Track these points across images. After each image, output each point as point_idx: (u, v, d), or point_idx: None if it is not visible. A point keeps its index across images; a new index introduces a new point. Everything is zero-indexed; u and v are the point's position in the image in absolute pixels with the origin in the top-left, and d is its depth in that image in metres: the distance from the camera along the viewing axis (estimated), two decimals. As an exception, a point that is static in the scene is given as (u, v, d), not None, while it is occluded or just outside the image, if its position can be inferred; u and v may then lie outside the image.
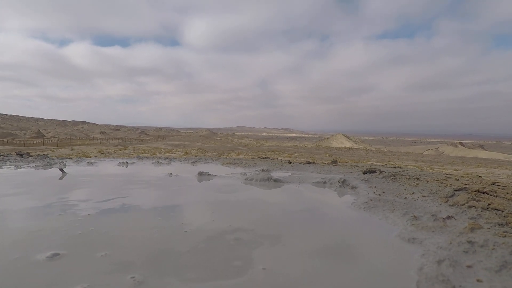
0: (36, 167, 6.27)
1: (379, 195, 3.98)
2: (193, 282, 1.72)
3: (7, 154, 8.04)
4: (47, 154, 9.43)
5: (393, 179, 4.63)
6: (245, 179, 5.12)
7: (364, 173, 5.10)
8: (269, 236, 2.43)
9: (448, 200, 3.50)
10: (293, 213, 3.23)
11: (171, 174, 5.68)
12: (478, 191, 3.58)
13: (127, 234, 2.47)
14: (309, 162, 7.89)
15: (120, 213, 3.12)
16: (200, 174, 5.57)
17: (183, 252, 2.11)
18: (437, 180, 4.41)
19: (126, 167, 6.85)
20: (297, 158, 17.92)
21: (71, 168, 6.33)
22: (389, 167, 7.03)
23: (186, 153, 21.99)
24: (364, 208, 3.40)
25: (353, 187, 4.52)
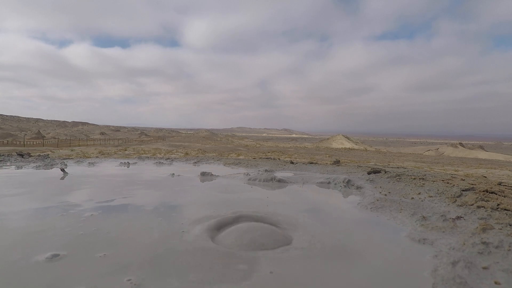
0: (37, 167, 6.22)
1: (385, 195, 3.94)
2: (194, 283, 1.67)
3: (8, 155, 7.99)
4: (48, 154, 9.38)
5: (398, 179, 4.58)
6: (248, 179, 5.07)
7: (369, 173, 5.05)
8: (277, 237, 2.38)
9: (456, 200, 3.45)
10: (300, 214, 3.18)
11: (173, 174, 5.63)
12: (486, 191, 3.53)
13: (129, 235, 2.42)
14: (312, 163, 7.84)
15: (123, 213, 3.07)
16: (203, 174, 5.52)
17: (184, 253, 2.06)
18: (443, 180, 4.37)
19: (128, 167, 6.80)
20: (297, 159, 17.87)
21: (72, 168, 6.28)
22: (393, 167, 6.98)
23: (186, 153, 21.93)
24: (371, 208, 3.36)
25: (358, 187, 4.47)
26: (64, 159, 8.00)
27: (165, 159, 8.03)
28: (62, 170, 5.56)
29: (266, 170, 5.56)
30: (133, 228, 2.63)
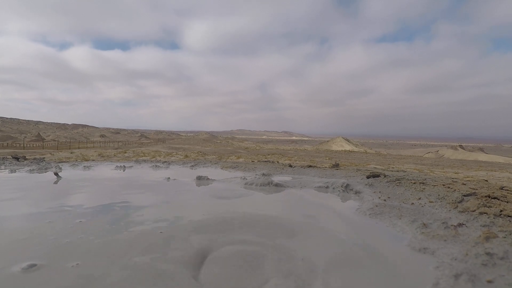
0: (31, 171, 6.12)
1: (385, 200, 3.83)
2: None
3: (3, 158, 7.90)
4: (44, 157, 9.28)
5: (398, 184, 4.48)
6: (245, 184, 4.97)
7: (368, 177, 4.95)
8: (273, 248, 2.28)
9: (457, 206, 3.35)
10: (297, 221, 3.08)
11: (168, 178, 5.53)
12: (488, 196, 3.43)
13: (115, 243, 2.31)
14: (310, 166, 7.74)
15: (112, 220, 2.97)
16: (199, 178, 5.42)
17: (166, 262, 1.95)
18: (443, 185, 4.26)
19: (123, 171, 6.70)
20: (297, 161, 17.77)
21: (67, 172, 6.18)
22: (392, 171, 6.87)
23: (186, 156, 21.85)
24: (369, 214, 3.25)
25: (357, 192, 4.37)
26: (59, 162, 7.91)
27: (162, 162, 7.93)
28: (56, 174, 5.46)
29: (263, 174, 5.47)
30: (122, 236, 2.52)
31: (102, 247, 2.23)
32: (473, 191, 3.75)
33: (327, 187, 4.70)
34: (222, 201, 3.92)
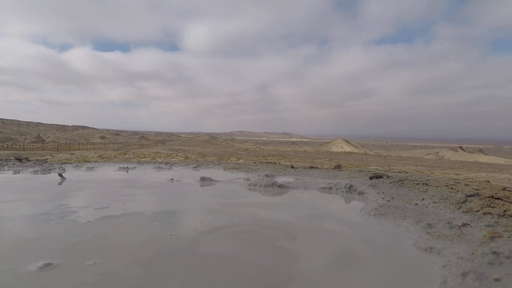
0: (35, 172, 6.15)
1: (388, 201, 3.86)
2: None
3: (6, 159, 7.92)
4: (46, 159, 9.31)
5: (401, 184, 4.51)
6: (249, 185, 5.00)
7: (371, 178, 4.98)
8: (279, 248, 2.31)
9: (461, 207, 3.38)
10: (302, 222, 3.11)
11: (172, 179, 5.55)
12: (492, 197, 3.45)
13: (125, 243, 2.34)
14: (312, 167, 7.77)
15: (120, 220, 3.00)
16: (203, 179, 5.44)
17: (178, 264, 1.98)
18: (446, 186, 4.29)
19: (127, 172, 6.73)
20: (297, 163, 17.79)
21: (71, 173, 6.21)
22: (394, 172, 6.91)
23: (186, 157, 21.86)
24: (374, 215, 3.28)
25: (361, 193, 4.40)
26: (62, 163, 7.93)
27: (165, 164, 7.96)
28: (60, 175, 5.48)
29: (266, 175, 5.49)
30: (131, 235, 2.55)
31: (114, 246, 2.26)
32: (476, 191, 3.78)
33: (331, 188, 4.73)
34: (228, 201, 3.95)
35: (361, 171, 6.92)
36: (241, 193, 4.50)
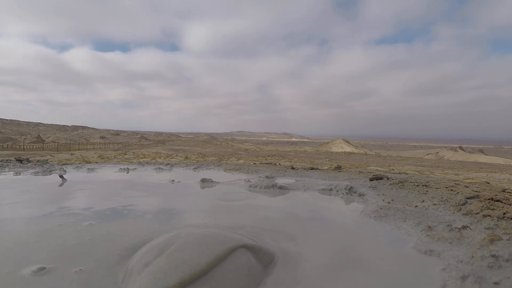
0: (36, 173, 6.16)
1: (389, 203, 3.88)
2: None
3: (6, 160, 7.93)
4: (47, 160, 9.32)
5: (401, 186, 4.53)
6: (249, 186, 5.01)
7: (371, 179, 5.00)
8: (279, 250, 2.32)
9: (461, 209, 3.39)
10: (302, 224, 3.12)
11: (173, 180, 5.57)
12: (492, 199, 3.47)
13: (126, 247, 2.35)
14: (313, 168, 7.79)
15: (121, 222, 3.01)
16: (203, 180, 5.46)
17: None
18: (446, 187, 4.31)
19: (127, 173, 6.75)
20: (297, 163, 17.80)
21: (71, 174, 6.22)
22: (394, 173, 6.92)
23: (186, 158, 21.87)
24: (374, 217, 3.29)
25: (361, 195, 4.41)
26: (63, 164, 7.95)
27: (165, 165, 7.97)
28: (61, 176, 5.50)
29: (267, 177, 5.51)
30: (132, 238, 2.56)
31: (113, 250, 2.27)
32: (476, 193, 3.80)
33: (331, 189, 4.75)
34: (229, 203, 3.97)
35: (361, 172, 6.93)
36: (242, 194, 4.51)
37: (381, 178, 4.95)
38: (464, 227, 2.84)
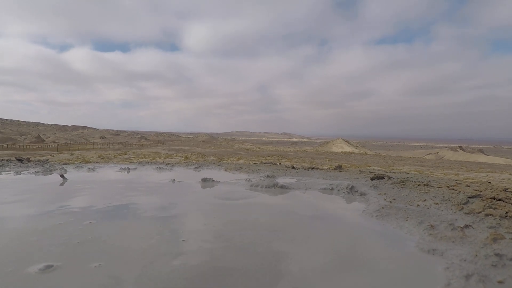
0: (36, 173, 6.15)
1: (390, 202, 3.87)
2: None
3: (7, 160, 7.92)
4: (47, 159, 9.31)
5: (402, 186, 4.52)
6: (250, 186, 5.00)
7: (372, 179, 4.99)
8: (280, 252, 2.31)
9: (462, 208, 3.39)
10: (305, 223, 3.12)
11: (174, 180, 5.56)
12: (493, 198, 3.46)
13: (127, 245, 2.34)
14: (313, 168, 7.78)
15: (122, 221, 3.01)
16: (204, 180, 5.45)
17: (185, 269, 1.99)
18: (448, 187, 4.30)
19: (128, 173, 6.73)
20: (297, 163, 17.79)
21: (72, 174, 6.21)
22: (395, 173, 6.91)
23: (186, 158, 21.85)
24: (376, 216, 3.29)
25: (362, 194, 4.40)
26: (63, 164, 7.93)
27: (166, 164, 7.96)
28: (62, 176, 5.49)
29: (268, 176, 5.50)
30: (133, 237, 2.56)
31: (116, 249, 2.26)
32: (478, 193, 3.79)
33: (332, 189, 4.74)
34: (231, 202, 3.96)
35: (362, 172, 6.93)
36: (243, 194, 4.50)
37: (382, 178, 4.94)
38: (467, 226, 2.83)
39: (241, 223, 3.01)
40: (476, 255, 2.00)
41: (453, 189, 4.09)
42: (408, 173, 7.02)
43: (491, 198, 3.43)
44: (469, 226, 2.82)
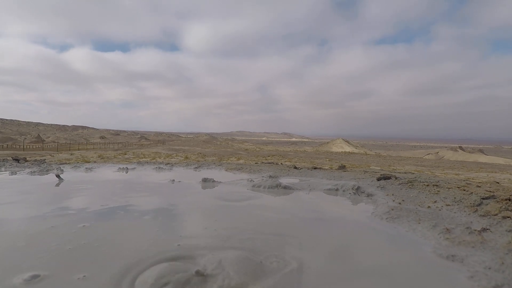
0: (32, 173, 5.99)
1: (399, 203, 3.70)
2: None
3: (3, 159, 7.75)
4: (45, 159, 9.14)
5: (410, 186, 4.35)
6: (253, 186, 4.84)
7: (379, 179, 4.82)
8: (289, 260, 2.14)
9: (477, 210, 3.22)
10: (312, 227, 2.95)
11: (173, 180, 5.39)
12: (509, 199, 3.30)
13: (120, 252, 2.17)
14: (316, 168, 7.61)
15: (117, 225, 2.84)
16: (204, 180, 5.28)
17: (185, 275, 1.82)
18: (458, 187, 4.14)
19: (126, 172, 6.57)
20: (298, 163, 17.63)
21: (69, 174, 6.04)
22: (401, 173, 6.75)
23: (186, 157, 21.69)
24: (386, 218, 3.12)
25: (369, 195, 4.24)
26: (61, 164, 7.77)
27: (165, 164, 7.80)
28: (58, 176, 5.32)
29: (270, 176, 5.34)
30: (128, 242, 2.39)
31: (108, 256, 2.09)
32: (491, 194, 3.62)
33: (337, 189, 4.57)
34: (233, 204, 3.79)
35: (366, 172, 6.76)
36: (244, 194, 4.34)
37: (389, 178, 4.78)
38: (484, 230, 2.66)
39: (244, 226, 2.84)
40: (503, 263, 1.84)
41: (464, 190, 3.92)
42: (413, 173, 6.86)
43: (506, 199, 3.26)
44: (487, 229, 2.66)
